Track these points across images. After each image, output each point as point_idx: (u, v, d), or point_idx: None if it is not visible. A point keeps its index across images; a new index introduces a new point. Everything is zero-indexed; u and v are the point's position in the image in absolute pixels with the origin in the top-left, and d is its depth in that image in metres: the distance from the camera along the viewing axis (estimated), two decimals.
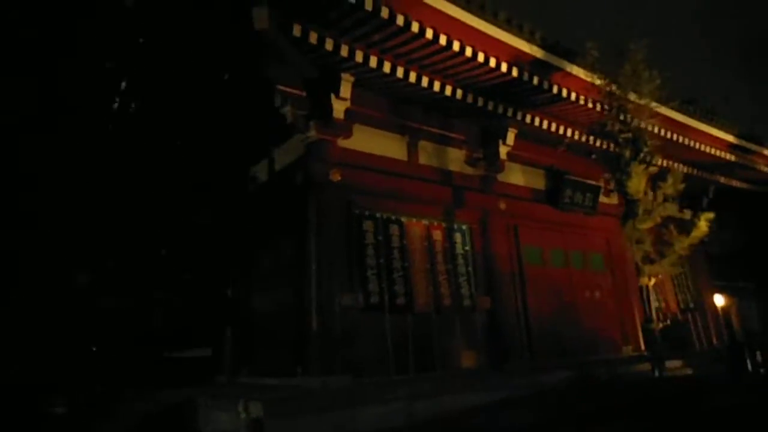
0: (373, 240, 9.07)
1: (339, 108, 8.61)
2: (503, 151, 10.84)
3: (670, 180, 7.31)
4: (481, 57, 7.58)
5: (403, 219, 9.57)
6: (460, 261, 10.18)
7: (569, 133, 10.50)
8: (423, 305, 9.31)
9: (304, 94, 8.68)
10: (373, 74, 8.14)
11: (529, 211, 11.69)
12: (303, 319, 8.32)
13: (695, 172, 13.47)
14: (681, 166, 13.07)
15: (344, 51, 7.37)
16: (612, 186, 14.12)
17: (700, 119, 11.49)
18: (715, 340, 15.26)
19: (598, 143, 11.40)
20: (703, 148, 12.01)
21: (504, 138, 10.69)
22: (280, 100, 8.61)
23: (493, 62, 7.74)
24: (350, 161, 9.12)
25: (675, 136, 11.16)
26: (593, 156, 12.21)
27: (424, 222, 9.89)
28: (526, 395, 6.61)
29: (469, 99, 8.82)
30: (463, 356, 9.59)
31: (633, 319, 13.09)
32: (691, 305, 15.05)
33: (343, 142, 9.18)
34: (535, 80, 8.35)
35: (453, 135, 10.64)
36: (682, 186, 7.58)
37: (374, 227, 9.16)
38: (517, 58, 8.14)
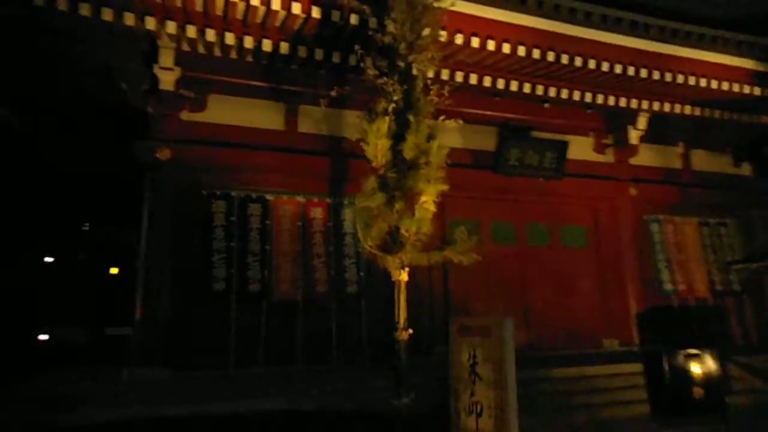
0: (223, 221, 8.28)
1: (166, 78, 7.84)
2: None
3: (410, 138, 5.13)
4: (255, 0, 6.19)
5: (268, 196, 8.59)
6: (349, 241, 8.91)
7: (474, 80, 8.51)
8: (286, 292, 8.34)
9: (142, 67, 8.07)
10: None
11: (461, 179, 9.66)
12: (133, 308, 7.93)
13: (717, 114, 10.15)
14: (689, 108, 9.98)
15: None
16: (608, 140, 11.49)
17: (682, 44, 8.48)
18: None
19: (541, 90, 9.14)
20: (702, 83, 8.90)
21: None
22: (117, 75, 8.13)
23: (277, 4, 6.29)
24: (201, 136, 8.34)
25: (638, 71, 8.40)
26: (546, 104, 9.89)
27: (299, 198, 8.78)
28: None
29: (302, 53, 7.43)
30: (339, 348, 8.44)
31: (624, 306, 10.52)
32: (735, 286, 11.65)
33: (193, 116, 8.44)
34: (354, 19, 6.67)
35: (355, 95, 9.17)
36: (444, 151, 5.26)
37: (227, 207, 8.34)
38: None
